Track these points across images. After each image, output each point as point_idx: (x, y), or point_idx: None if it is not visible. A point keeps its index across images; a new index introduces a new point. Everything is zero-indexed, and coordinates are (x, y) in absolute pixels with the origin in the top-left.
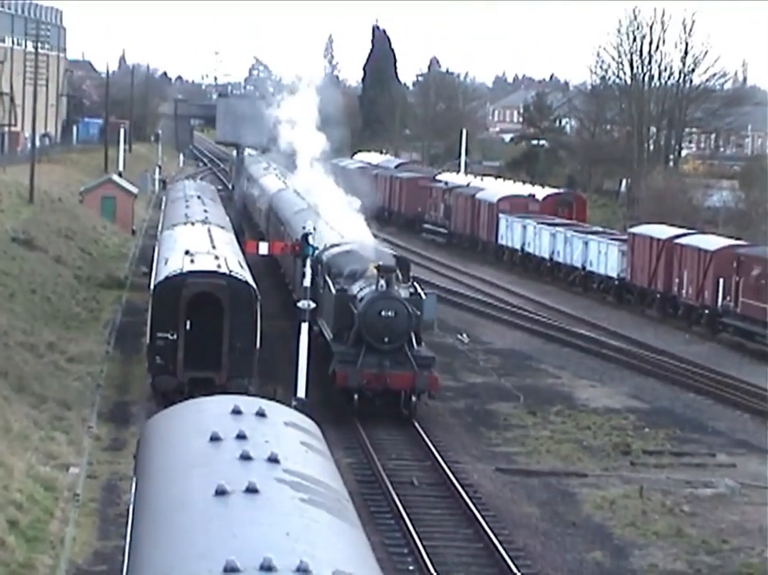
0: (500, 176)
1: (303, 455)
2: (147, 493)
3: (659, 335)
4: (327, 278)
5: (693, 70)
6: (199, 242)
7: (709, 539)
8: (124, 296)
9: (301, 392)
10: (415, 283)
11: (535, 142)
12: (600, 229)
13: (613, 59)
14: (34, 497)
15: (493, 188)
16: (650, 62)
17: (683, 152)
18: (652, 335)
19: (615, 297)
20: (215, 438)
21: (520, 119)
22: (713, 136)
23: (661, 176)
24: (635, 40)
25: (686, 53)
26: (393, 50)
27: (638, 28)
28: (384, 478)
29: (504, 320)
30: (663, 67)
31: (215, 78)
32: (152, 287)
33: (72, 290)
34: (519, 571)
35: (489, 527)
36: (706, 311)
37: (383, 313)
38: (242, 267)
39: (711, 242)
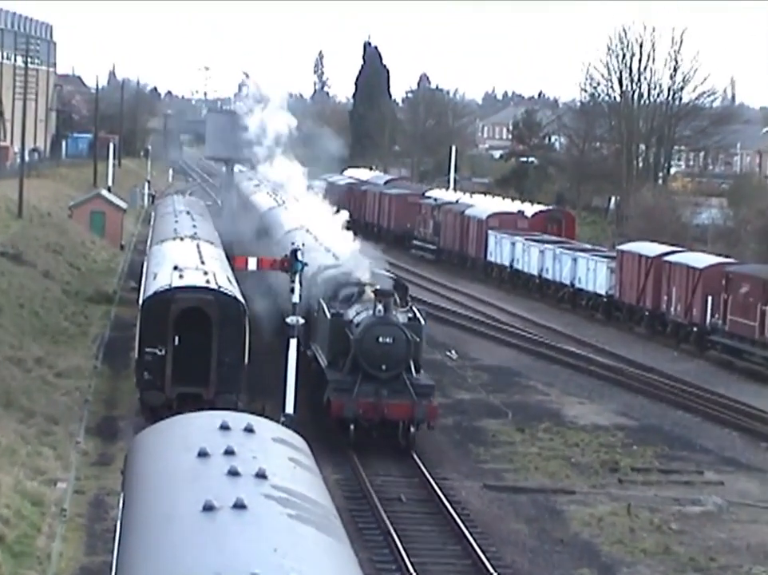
0: (489, 193)
1: (291, 471)
2: (134, 508)
3: (648, 353)
4: (322, 301)
5: (682, 88)
6: (188, 257)
7: (697, 557)
8: (113, 311)
9: (289, 408)
10: (414, 308)
11: (524, 159)
12: (589, 246)
13: (602, 76)
14: (21, 513)
15: (482, 205)
16: (639, 80)
17: (672, 170)
18: (641, 353)
19: (603, 314)
20: (203, 454)
21: (510, 136)
22: (702, 154)
23: (650, 193)
24: (624, 57)
25: (675, 70)
26: (386, 67)
27: (627, 46)
28: (372, 495)
29: (493, 337)
30: (652, 85)
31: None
32: (140, 302)
33: (60, 304)
34: None
35: (477, 544)
36: (695, 329)
37: (381, 339)
38: (231, 282)
39: (700, 260)
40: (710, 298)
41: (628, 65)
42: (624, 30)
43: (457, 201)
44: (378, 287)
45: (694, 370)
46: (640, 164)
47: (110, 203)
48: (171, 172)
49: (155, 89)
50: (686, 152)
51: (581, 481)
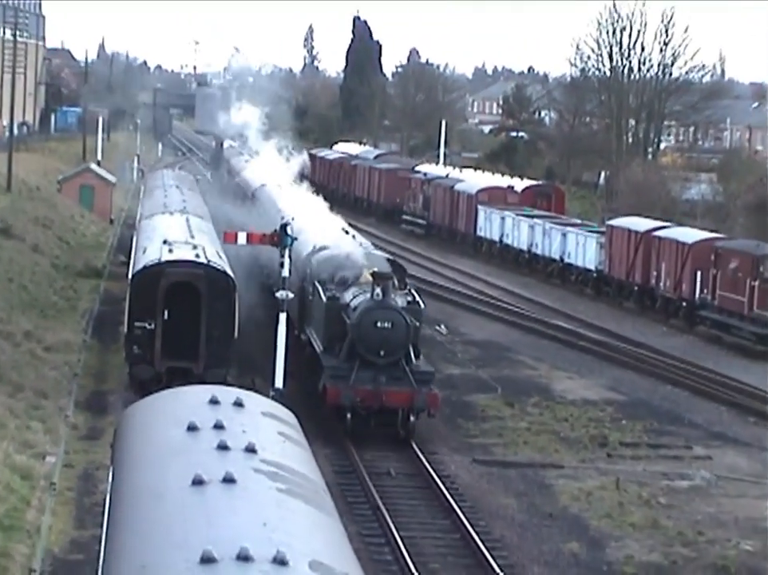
0: (479, 168)
1: (281, 445)
2: (123, 482)
3: (637, 328)
4: (317, 284)
5: (672, 63)
6: (177, 231)
7: (685, 531)
8: (102, 285)
9: (279, 382)
10: (412, 290)
11: (514, 134)
12: (579, 221)
13: (593, 51)
14: (11, 486)
15: (472, 180)
16: (629, 55)
17: (662, 145)
18: (630, 328)
19: (593, 289)
20: (192, 428)
21: (500, 111)
22: (691, 129)
23: (640, 168)
24: (614, 33)
25: (665, 45)
26: (378, 41)
27: (617, 20)
28: (361, 469)
29: (482, 312)
30: (642, 60)
31: (195, 68)
32: (129, 276)
33: (49, 279)
34: (496, 562)
35: (466, 518)
36: (684, 304)
37: (379, 324)
38: (220, 256)
39: (689, 235)
40: (699, 273)
41: (618, 40)
42: (614, 5)
43: (446, 176)
44: (375, 269)
45: (683, 345)
46: (630, 140)
47: (99, 177)
48: (160, 146)
49: (144, 62)
50: (675, 127)
51: (570, 455)
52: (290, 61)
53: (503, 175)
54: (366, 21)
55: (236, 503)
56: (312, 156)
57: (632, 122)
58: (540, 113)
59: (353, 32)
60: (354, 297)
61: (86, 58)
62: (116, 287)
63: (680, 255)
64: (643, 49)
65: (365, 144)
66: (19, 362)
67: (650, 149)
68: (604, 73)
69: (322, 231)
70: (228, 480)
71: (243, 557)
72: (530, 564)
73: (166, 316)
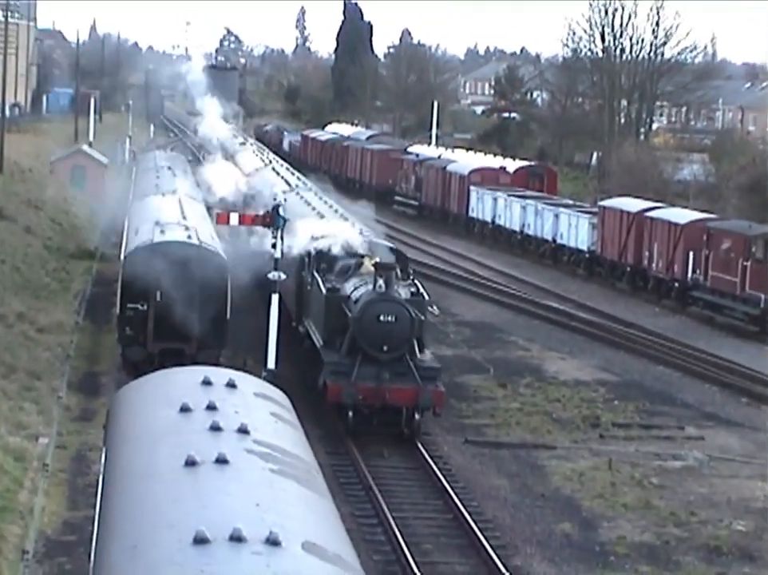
0: (471, 149)
1: (273, 426)
2: (116, 463)
3: (629, 308)
4: (316, 274)
5: (664, 43)
6: (169, 213)
7: (677, 511)
8: (94, 267)
9: (271, 363)
10: (416, 281)
11: (506, 115)
12: (571, 202)
13: (585, 32)
14: (3, 468)
15: (464, 161)
16: (621, 35)
17: (654, 126)
18: (622, 308)
19: (585, 270)
20: (185, 409)
21: (492, 91)
22: (684, 109)
23: (632, 149)
24: (606, 13)
25: (657, 26)
26: (369, 22)
27: (609, 1)
28: (354, 450)
29: (475, 292)
30: (634, 40)
31: (186, 49)
32: (122, 257)
33: (42, 260)
34: (488, 542)
35: (459, 498)
36: (676, 285)
37: (382, 317)
38: (212, 238)
39: (681, 215)
40: (691, 254)
41: (611, 20)
42: None
43: (439, 157)
44: (377, 259)
45: (676, 326)
46: (622, 120)
47: (91, 158)
48: (152, 127)
49: (136, 43)
50: (668, 107)
51: (562, 436)
52: (283, 43)
53: (495, 156)
54: (356, 3)
55: (229, 484)
56: (304, 137)
57: (624, 103)
58: (532, 94)
59: (344, 13)
60: (356, 289)
61: (77, 39)
62: (108, 269)
63: (672, 235)
64: (635, 29)
65: (357, 125)
66: (12, 344)
67: (642, 130)
68: (597, 53)
69: (321, 217)
70: (221, 461)
71: (236, 538)
72: (522, 544)
73: (158, 298)
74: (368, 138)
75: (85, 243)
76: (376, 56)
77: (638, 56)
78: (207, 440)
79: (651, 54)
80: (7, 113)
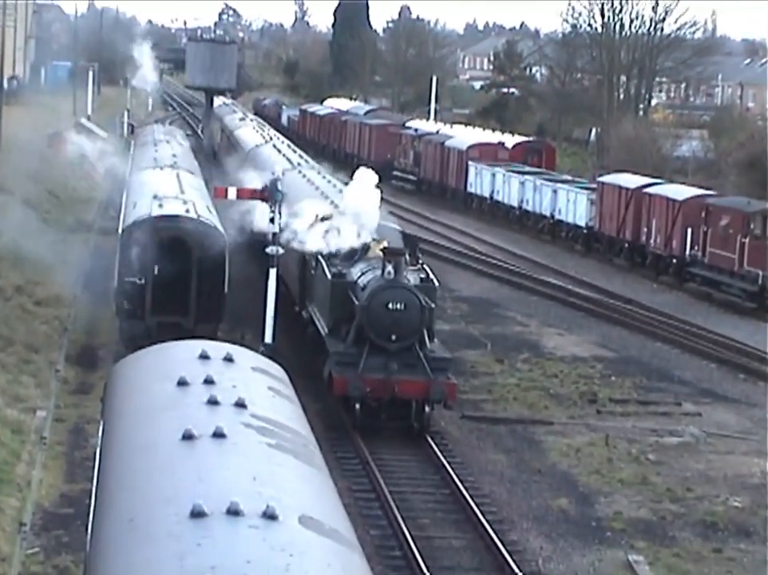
0: (469, 124)
1: (271, 400)
2: (114, 437)
3: (627, 284)
4: (320, 258)
5: (664, 19)
6: (167, 186)
7: (674, 487)
8: (93, 240)
9: (269, 338)
10: (425, 266)
11: (505, 90)
12: (569, 178)
13: (584, 7)
14: (1, 440)
15: (463, 136)
16: (621, 11)
17: (653, 102)
18: (620, 284)
19: (583, 246)
20: (182, 383)
21: (491, 67)
22: (683, 85)
23: (631, 125)
24: None
25: (656, 2)
26: None
27: None
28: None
29: (473, 268)
30: (633, 16)
31: (185, 22)
32: (120, 231)
33: (39, 233)
34: (485, 517)
35: (456, 474)
36: (674, 261)
37: (391, 305)
38: (210, 212)
39: (680, 191)
40: (689, 230)
41: None
42: None
43: (437, 132)
44: (385, 243)
45: (673, 302)
46: (621, 96)
47: (90, 131)
48: (150, 101)
49: (134, 17)
50: (667, 83)
51: (560, 412)
52: (281, 17)
53: (494, 131)
54: None
55: (226, 458)
56: (303, 112)
57: (624, 78)
58: (531, 69)
59: None
60: (363, 274)
61: (76, 12)
62: (106, 242)
63: (671, 211)
64: (635, 5)
65: (355, 100)
66: (9, 317)
67: (641, 106)
68: (596, 29)
69: (326, 197)
70: (218, 435)
71: (233, 512)
72: (519, 520)
73: (156, 271)
74: (366, 113)
75: (84, 216)
76: (375, 31)
77: (637, 31)
78: (205, 414)
79: (651, 30)
80: (5, 86)
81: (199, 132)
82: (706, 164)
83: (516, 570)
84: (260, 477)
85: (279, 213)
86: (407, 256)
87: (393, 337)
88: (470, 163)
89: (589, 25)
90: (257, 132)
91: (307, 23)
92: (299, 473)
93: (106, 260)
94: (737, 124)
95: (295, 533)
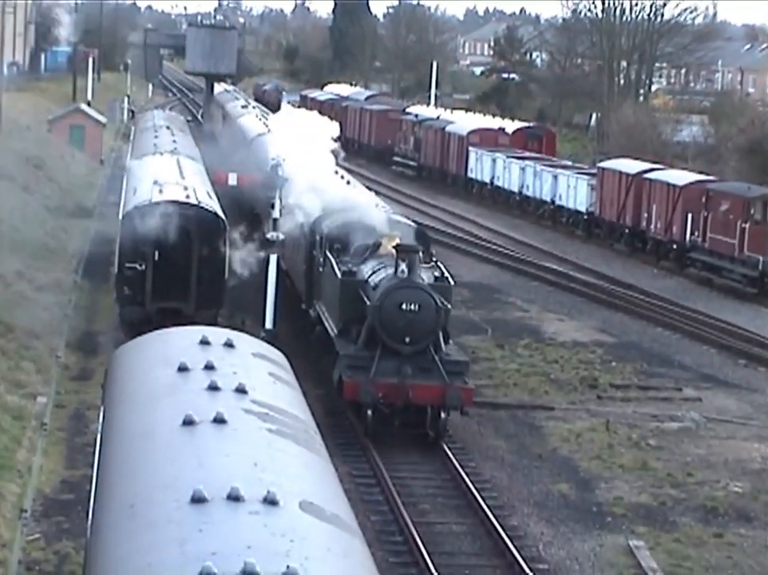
0: (470, 110)
1: (271, 386)
2: (114, 422)
3: (628, 270)
4: (329, 254)
5: (664, 5)
6: (167, 172)
7: (674, 472)
8: (93, 226)
9: (269, 323)
10: (439, 263)
11: (505, 75)
12: (570, 163)
13: None
14: (2, 426)
15: (463, 122)
16: None
17: (653, 87)
18: (620, 270)
19: (583, 231)
20: (182, 369)
21: (491, 52)
22: (683, 71)
23: (631, 110)
24: None
25: None
26: None
27: None
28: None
29: (473, 254)
30: (634, 1)
31: (185, 8)
32: (120, 217)
33: (40, 219)
34: (485, 502)
35: (456, 459)
36: (675, 246)
37: (404, 306)
38: (211, 197)
39: (680, 177)
40: (690, 215)
41: None
42: None
43: (437, 117)
44: (398, 239)
45: (674, 287)
46: (622, 81)
47: (90, 117)
48: (150, 86)
49: (134, 2)
50: (667, 69)
51: (560, 397)
52: (282, 3)
53: (494, 117)
54: None
55: (227, 443)
56: (303, 97)
57: (624, 64)
58: (531, 55)
59: None
60: (374, 272)
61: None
62: (106, 228)
63: (671, 197)
64: None
65: (356, 86)
66: (10, 303)
67: (641, 91)
68: (596, 14)
69: (335, 190)
70: (219, 420)
71: (234, 497)
72: (520, 505)
73: (157, 257)
74: (367, 98)
75: (84, 201)
76: (375, 16)
77: (638, 17)
78: (205, 400)
79: (651, 15)
80: (5, 71)
81: (200, 117)
82: (706, 149)
83: (517, 555)
84: (261, 462)
85: (280, 199)
86: (420, 253)
87: (407, 339)
88: (471, 148)
89: (589, 10)
90: (260, 120)
91: (308, 8)
92: (300, 459)
93: (106, 246)
94: (737, 109)
95: (296, 518)
